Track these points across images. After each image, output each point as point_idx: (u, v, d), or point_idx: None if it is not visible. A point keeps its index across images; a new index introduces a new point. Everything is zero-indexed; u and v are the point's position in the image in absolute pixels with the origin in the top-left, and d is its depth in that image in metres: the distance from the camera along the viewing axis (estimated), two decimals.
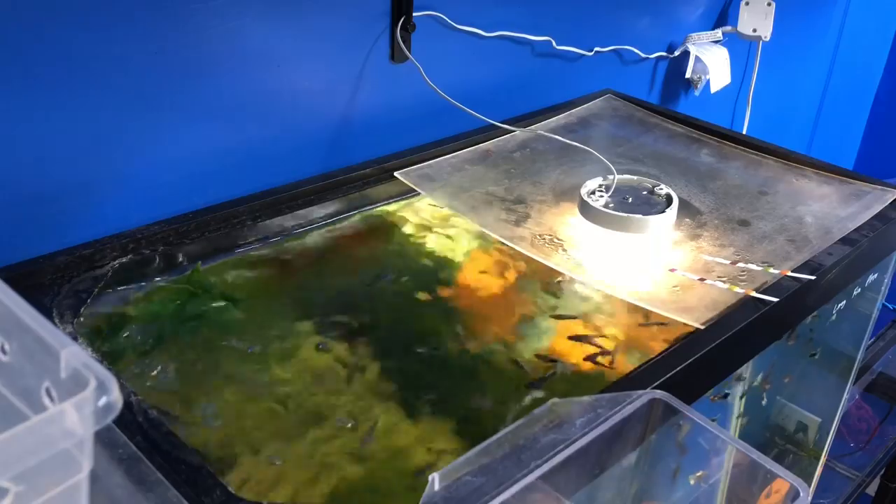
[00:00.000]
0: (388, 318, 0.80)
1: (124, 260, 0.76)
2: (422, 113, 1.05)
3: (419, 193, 0.95)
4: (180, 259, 0.80)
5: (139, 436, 0.56)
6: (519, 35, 1.13)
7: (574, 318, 0.81)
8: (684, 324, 0.74)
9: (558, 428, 0.56)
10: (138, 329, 0.73)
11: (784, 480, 0.55)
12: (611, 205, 0.89)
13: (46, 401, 0.39)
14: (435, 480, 0.51)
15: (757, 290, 0.77)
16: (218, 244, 0.83)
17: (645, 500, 0.71)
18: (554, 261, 0.83)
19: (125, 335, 0.73)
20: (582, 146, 1.01)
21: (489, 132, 1.07)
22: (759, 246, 0.86)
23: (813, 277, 0.79)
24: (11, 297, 0.40)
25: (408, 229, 0.93)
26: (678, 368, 0.67)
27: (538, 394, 0.72)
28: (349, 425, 0.66)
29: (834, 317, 0.95)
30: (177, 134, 0.85)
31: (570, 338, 0.78)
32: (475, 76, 1.11)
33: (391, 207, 0.95)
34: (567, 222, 0.90)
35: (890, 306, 1.76)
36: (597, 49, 1.25)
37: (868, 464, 1.47)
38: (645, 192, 0.93)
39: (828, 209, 0.94)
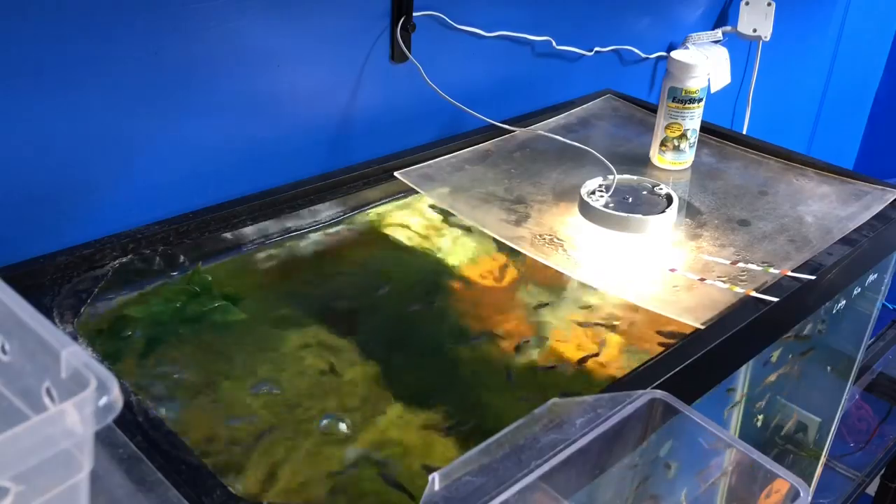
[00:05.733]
0: (389, 318, 0.80)
1: (124, 260, 0.76)
2: (422, 113, 1.05)
3: (419, 193, 0.95)
4: (180, 259, 0.80)
5: (139, 436, 0.56)
6: (519, 35, 1.13)
7: (573, 318, 0.81)
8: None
9: (558, 428, 0.56)
10: (138, 329, 0.73)
11: (784, 480, 0.55)
12: (611, 205, 0.89)
13: (47, 401, 0.39)
14: (435, 480, 0.51)
15: (757, 290, 0.77)
16: (218, 244, 0.83)
17: (645, 500, 0.71)
18: (554, 261, 0.83)
19: (125, 335, 0.73)
20: (582, 146, 1.01)
21: (489, 132, 1.07)
22: (759, 246, 0.86)
23: (813, 277, 0.79)
24: (11, 297, 0.40)
25: (408, 229, 0.93)
26: (678, 368, 0.67)
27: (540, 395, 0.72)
28: (348, 424, 0.66)
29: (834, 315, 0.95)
30: (177, 134, 0.85)
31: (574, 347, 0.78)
32: (475, 76, 1.11)
33: (391, 207, 0.96)
34: (567, 222, 0.90)
35: (890, 306, 1.76)
36: (597, 49, 1.25)
37: (868, 464, 1.47)
38: (645, 192, 0.93)
39: (828, 209, 0.94)
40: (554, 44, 1.18)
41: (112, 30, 0.76)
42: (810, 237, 0.88)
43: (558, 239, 0.87)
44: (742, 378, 0.84)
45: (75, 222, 0.79)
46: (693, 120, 1.00)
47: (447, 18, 1.03)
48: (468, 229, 0.92)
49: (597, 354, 0.77)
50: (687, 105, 0.98)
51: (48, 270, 0.73)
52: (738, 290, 0.77)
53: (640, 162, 1.04)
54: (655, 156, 1.03)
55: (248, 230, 0.85)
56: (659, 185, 0.93)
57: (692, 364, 0.68)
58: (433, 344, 0.78)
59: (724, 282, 0.79)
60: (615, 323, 0.81)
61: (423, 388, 0.72)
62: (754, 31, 1.46)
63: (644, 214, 0.88)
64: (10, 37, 0.70)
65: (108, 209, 0.82)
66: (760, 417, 0.94)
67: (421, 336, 0.79)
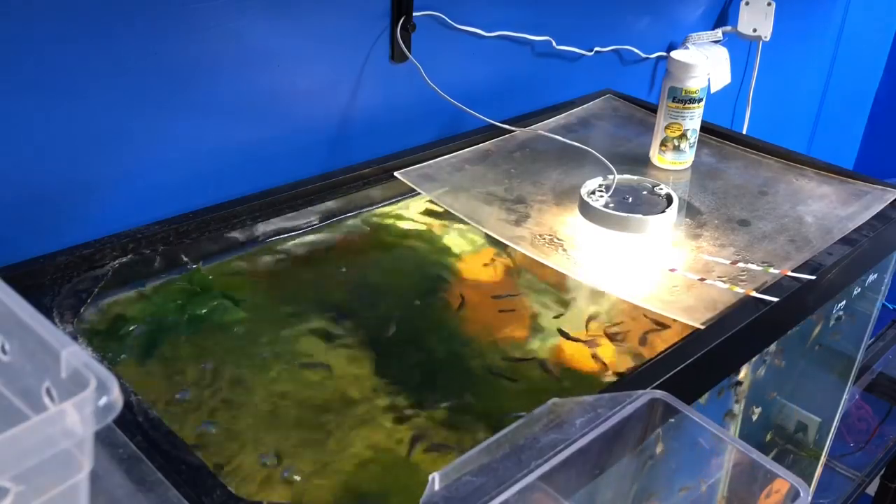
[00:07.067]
0: (389, 317, 0.80)
1: (124, 260, 0.76)
2: (422, 113, 1.05)
3: (419, 193, 0.95)
4: (180, 259, 0.80)
5: (139, 436, 0.56)
6: (519, 35, 1.13)
7: (573, 318, 0.81)
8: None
9: (558, 428, 0.56)
10: (139, 329, 0.73)
11: (784, 480, 0.55)
12: (611, 205, 0.89)
13: (47, 401, 0.39)
14: (435, 480, 0.51)
15: (757, 290, 0.77)
16: (218, 244, 0.83)
17: (645, 500, 0.71)
18: (554, 261, 0.83)
19: (125, 335, 0.73)
20: (582, 146, 1.01)
21: (489, 132, 1.07)
22: (759, 246, 0.86)
23: (813, 277, 0.79)
24: (11, 297, 0.40)
25: (408, 229, 0.93)
26: (678, 368, 0.67)
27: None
28: (349, 422, 0.66)
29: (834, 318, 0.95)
30: (177, 134, 0.85)
31: (569, 338, 0.78)
32: (475, 76, 1.11)
33: (391, 207, 0.96)
34: (567, 222, 0.90)
35: (890, 306, 1.76)
36: (597, 49, 1.25)
37: (868, 464, 1.47)
38: (645, 192, 0.93)
39: (828, 209, 0.94)
40: (554, 44, 1.18)
41: (112, 30, 0.76)
42: (810, 237, 0.88)
43: (558, 239, 0.87)
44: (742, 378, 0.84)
45: (75, 222, 0.79)
46: (693, 120, 0.99)
47: (447, 18, 1.03)
48: (468, 229, 0.92)
49: (597, 355, 0.77)
50: (687, 105, 0.98)
51: (48, 270, 0.73)
52: (738, 290, 0.77)
53: (640, 162, 1.04)
54: (655, 156, 1.03)
55: (248, 230, 0.85)
56: (659, 185, 0.93)
57: (692, 364, 0.68)
58: (432, 344, 0.78)
59: (724, 282, 0.79)
60: (615, 323, 0.81)
61: (421, 387, 0.72)
62: (754, 31, 1.46)
63: (644, 214, 0.88)
64: (9, 37, 0.70)
65: (108, 209, 0.82)
66: (758, 410, 0.94)
67: (420, 336, 0.79)
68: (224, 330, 0.76)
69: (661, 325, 0.78)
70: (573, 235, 0.88)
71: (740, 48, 1.54)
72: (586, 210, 0.89)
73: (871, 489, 1.53)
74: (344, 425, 0.66)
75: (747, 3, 1.45)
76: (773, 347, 0.86)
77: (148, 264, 0.78)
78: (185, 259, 0.81)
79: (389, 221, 0.94)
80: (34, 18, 0.71)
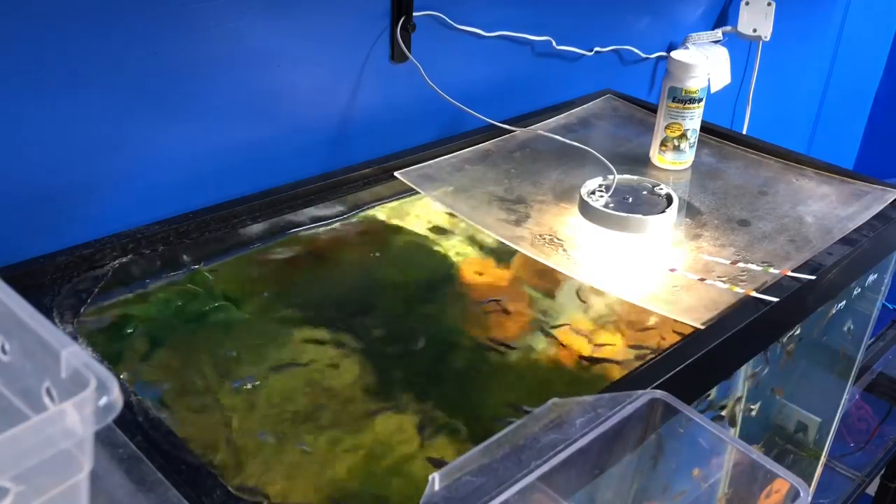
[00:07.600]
0: (389, 318, 0.80)
1: (124, 260, 0.76)
2: (422, 113, 1.05)
3: (419, 193, 0.95)
4: (180, 259, 0.80)
5: (139, 436, 0.56)
6: (519, 35, 1.13)
7: (573, 318, 0.81)
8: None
9: (558, 428, 0.56)
10: (139, 329, 0.73)
11: (784, 480, 0.55)
12: (611, 205, 0.89)
13: (47, 401, 0.39)
14: (435, 480, 0.51)
15: (757, 290, 0.77)
16: (218, 244, 0.83)
17: (645, 500, 0.71)
18: (554, 261, 0.83)
19: (125, 335, 0.73)
20: (582, 146, 1.01)
21: (489, 132, 1.07)
22: (759, 246, 0.86)
23: (813, 277, 0.79)
24: (11, 297, 0.40)
25: (408, 229, 0.93)
26: (678, 368, 0.67)
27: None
28: (348, 424, 0.66)
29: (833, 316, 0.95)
30: (177, 134, 0.85)
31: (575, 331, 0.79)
32: (475, 76, 1.11)
33: (391, 207, 0.96)
34: (567, 222, 0.90)
35: (890, 306, 1.76)
36: (597, 49, 1.25)
37: (868, 464, 1.47)
38: (645, 192, 0.93)
39: (828, 209, 0.94)
40: (554, 44, 1.18)
41: (112, 30, 0.76)
42: (810, 237, 0.88)
43: (558, 239, 0.87)
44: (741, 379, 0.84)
45: (75, 222, 0.79)
46: (693, 120, 1.00)
47: (447, 18, 1.03)
48: (468, 229, 0.92)
49: (597, 354, 0.77)
50: (687, 105, 0.98)
51: (48, 270, 0.73)
52: (738, 290, 0.77)
53: (640, 162, 1.04)
54: (655, 156, 1.03)
55: (249, 230, 0.85)
56: (659, 185, 0.93)
57: (692, 364, 0.68)
58: (433, 344, 0.78)
59: (724, 282, 0.79)
60: (614, 323, 0.81)
61: (422, 387, 0.72)
62: (754, 31, 1.46)
63: (644, 214, 0.88)
64: (10, 37, 0.70)
65: (108, 209, 0.82)
66: (755, 407, 0.94)
67: (421, 336, 0.79)
68: (225, 330, 0.75)
69: (660, 325, 0.78)
70: (573, 235, 0.88)
71: (740, 48, 1.54)
72: (586, 210, 0.89)
73: (871, 489, 1.53)
74: (346, 424, 0.66)
75: (747, 3, 1.45)
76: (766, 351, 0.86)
77: (148, 264, 0.78)
78: (186, 259, 0.81)
79: (389, 222, 0.94)
80: (34, 18, 0.71)
